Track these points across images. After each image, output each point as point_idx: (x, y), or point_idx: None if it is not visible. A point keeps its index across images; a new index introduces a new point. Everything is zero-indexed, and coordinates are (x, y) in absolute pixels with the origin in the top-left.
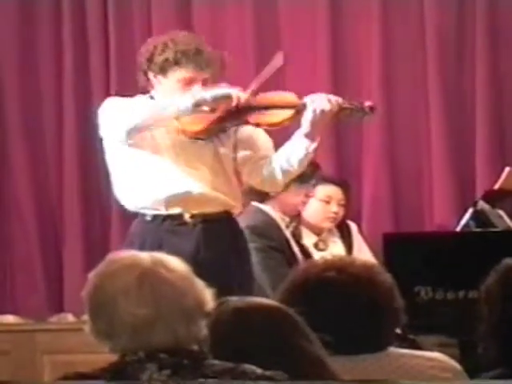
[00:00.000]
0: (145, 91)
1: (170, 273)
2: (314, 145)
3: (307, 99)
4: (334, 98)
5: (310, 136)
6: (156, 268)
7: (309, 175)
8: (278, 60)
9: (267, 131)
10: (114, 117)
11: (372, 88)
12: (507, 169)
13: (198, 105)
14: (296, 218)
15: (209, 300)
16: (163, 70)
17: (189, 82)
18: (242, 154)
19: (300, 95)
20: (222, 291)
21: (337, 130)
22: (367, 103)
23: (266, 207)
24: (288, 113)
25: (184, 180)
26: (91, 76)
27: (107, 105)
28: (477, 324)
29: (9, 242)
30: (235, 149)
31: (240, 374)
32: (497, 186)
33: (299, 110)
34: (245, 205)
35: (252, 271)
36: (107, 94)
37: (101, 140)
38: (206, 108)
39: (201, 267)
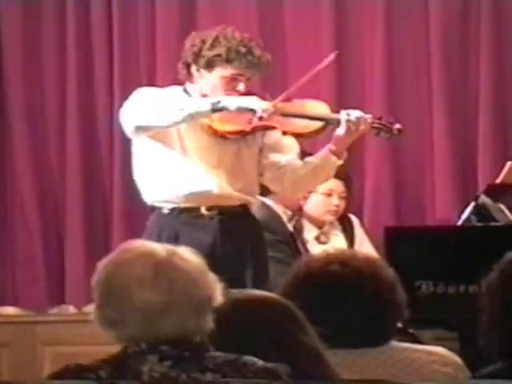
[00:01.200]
0: (178, 82)
1: (185, 263)
2: (340, 162)
3: (342, 115)
4: (367, 116)
5: (338, 152)
6: (171, 258)
7: None
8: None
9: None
10: (130, 109)
11: (376, 84)
12: (509, 163)
13: (217, 111)
14: (298, 211)
15: (219, 294)
16: (210, 65)
17: (232, 80)
18: (266, 159)
19: (303, 97)
20: (236, 283)
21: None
22: (397, 126)
23: (269, 201)
24: (318, 124)
25: (202, 179)
26: (95, 74)
27: (133, 95)
28: (478, 316)
29: (10, 233)
30: (261, 152)
31: (241, 366)
32: (498, 180)
33: (331, 123)
34: None
35: (267, 263)
36: (111, 92)
37: (102, 135)
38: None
39: (217, 259)
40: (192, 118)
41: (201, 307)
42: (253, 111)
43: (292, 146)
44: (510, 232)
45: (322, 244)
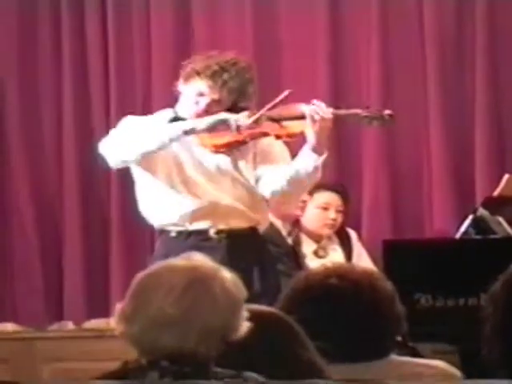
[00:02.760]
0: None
1: (220, 290)
2: (322, 158)
3: (305, 109)
4: (329, 109)
5: (316, 149)
6: (211, 281)
7: None
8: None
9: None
10: (107, 145)
11: (371, 93)
12: (506, 176)
13: (190, 132)
14: (296, 225)
15: (240, 332)
16: (187, 79)
17: (201, 95)
18: (259, 167)
19: (300, 101)
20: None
21: (336, 137)
22: (386, 111)
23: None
24: (301, 126)
25: (207, 193)
26: (90, 80)
27: (115, 129)
28: (479, 328)
29: (9, 249)
30: (254, 161)
31: (242, 382)
32: (496, 193)
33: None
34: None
35: (278, 284)
36: (106, 100)
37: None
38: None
39: None
40: (167, 144)
41: (209, 334)
42: (226, 123)
43: (283, 152)
44: (508, 245)
45: (321, 258)
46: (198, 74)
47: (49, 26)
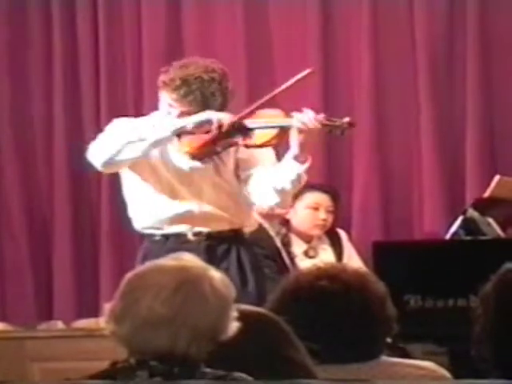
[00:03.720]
0: None
1: (210, 290)
2: (305, 166)
3: (293, 120)
4: (318, 116)
5: (298, 158)
6: (201, 281)
7: None
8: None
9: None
10: (95, 147)
11: (362, 97)
12: (497, 177)
13: (178, 132)
14: (285, 225)
15: (229, 332)
16: (159, 88)
17: (171, 106)
18: (243, 173)
19: (291, 103)
20: None
21: (327, 138)
22: (346, 119)
23: (256, 215)
24: (273, 132)
25: (187, 199)
26: (81, 80)
27: (103, 133)
28: (470, 328)
29: None
30: (237, 168)
31: (231, 382)
32: (486, 194)
33: (286, 128)
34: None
35: (260, 289)
36: (97, 101)
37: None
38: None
39: None
40: (155, 145)
41: (199, 335)
42: (209, 122)
43: (265, 155)
44: (498, 246)
45: (311, 258)
46: (165, 85)
47: (39, 24)
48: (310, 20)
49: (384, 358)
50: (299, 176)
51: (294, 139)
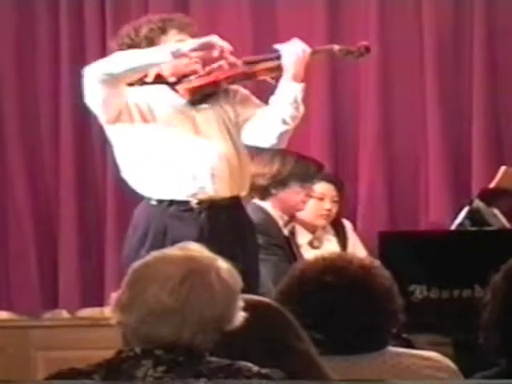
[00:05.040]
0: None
1: (217, 281)
2: (301, 85)
3: (282, 46)
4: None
5: (294, 77)
6: (208, 271)
7: (311, 175)
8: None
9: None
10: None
11: (369, 88)
12: (503, 168)
13: (177, 53)
14: (291, 216)
15: (235, 322)
16: (152, 42)
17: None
18: (245, 111)
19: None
20: None
21: (333, 128)
22: (363, 43)
23: (266, 205)
24: (277, 62)
25: (194, 151)
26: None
27: None
28: (480, 314)
29: (3, 238)
30: (236, 113)
31: (236, 371)
32: (492, 185)
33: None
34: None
35: (258, 264)
36: None
37: (96, 134)
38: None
39: None
40: (149, 67)
41: (205, 325)
42: (212, 45)
43: (251, 95)
44: (503, 237)
45: (315, 249)
46: (162, 29)
47: (47, 17)
48: (317, 9)
49: (389, 348)
50: (296, 99)
51: (290, 60)
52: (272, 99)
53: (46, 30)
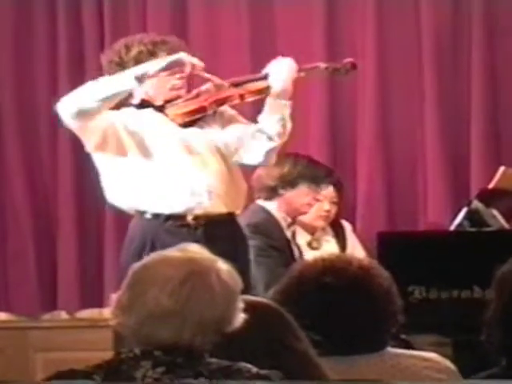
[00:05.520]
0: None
1: (217, 282)
2: (288, 102)
3: (270, 64)
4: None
5: (281, 95)
6: (208, 272)
7: (320, 178)
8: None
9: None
10: (65, 100)
11: (367, 87)
12: (502, 168)
13: (143, 77)
14: (294, 218)
15: (235, 323)
16: (139, 63)
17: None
18: (231, 135)
19: (295, 103)
20: None
21: (331, 129)
22: (348, 60)
23: (270, 206)
24: (264, 83)
25: (190, 171)
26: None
27: None
28: (476, 316)
29: (2, 238)
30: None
31: (235, 372)
32: (491, 186)
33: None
34: (250, 202)
35: (249, 277)
36: None
37: None
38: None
39: None
40: (119, 95)
41: (205, 327)
42: (181, 63)
43: (237, 115)
44: (502, 237)
45: (314, 250)
46: (151, 52)
47: (44, 15)
48: (315, 10)
49: (388, 349)
50: (283, 116)
51: (275, 78)
52: (260, 117)
53: (44, 34)
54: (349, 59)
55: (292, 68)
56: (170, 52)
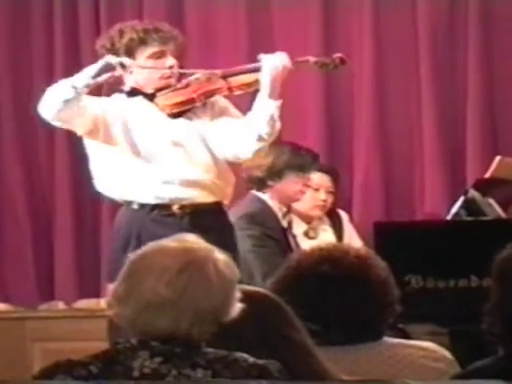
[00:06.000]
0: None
1: (215, 272)
2: (278, 102)
3: (262, 57)
4: (288, 63)
5: (271, 93)
6: (206, 262)
7: (307, 165)
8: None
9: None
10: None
11: (364, 80)
12: (498, 157)
13: (77, 87)
14: (289, 207)
15: (233, 313)
16: (130, 52)
17: (159, 56)
18: (218, 128)
19: (292, 94)
20: None
21: (328, 119)
22: (337, 55)
23: (265, 196)
24: (254, 76)
25: (173, 162)
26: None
27: None
28: (472, 306)
29: (0, 230)
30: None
31: (232, 363)
32: (487, 175)
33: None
34: (243, 193)
35: (239, 265)
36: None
37: None
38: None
39: None
40: (69, 102)
41: (202, 317)
42: (109, 65)
43: (229, 106)
44: (499, 226)
45: (311, 239)
46: (142, 40)
47: (41, 16)
48: (312, 10)
49: (385, 338)
50: (273, 116)
51: (266, 75)
52: (248, 115)
53: (40, 29)
54: (338, 54)
55: (285, 66)
56: (161, 41)
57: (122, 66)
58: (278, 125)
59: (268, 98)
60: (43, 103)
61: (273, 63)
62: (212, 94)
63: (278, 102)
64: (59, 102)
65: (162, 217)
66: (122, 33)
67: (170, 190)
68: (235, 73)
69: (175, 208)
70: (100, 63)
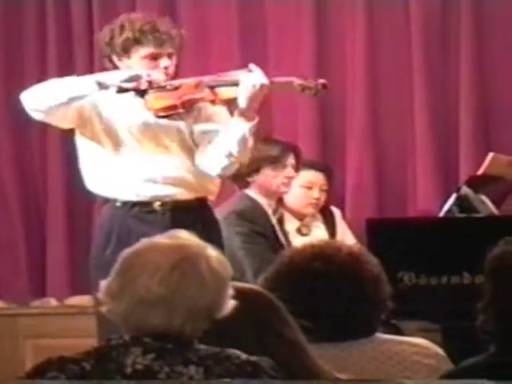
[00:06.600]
0: None
1: (207, 269)
2: (252, 124)
3: (241, 75)
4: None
5: (246, 114)
6: (198, 259)
7: (280, 156)
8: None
9: None
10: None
11: (356, 78)
12: (490, 154)
13: (103, 84)
14: (279, 203)
15: (225, 310)
16: (126, 50)
17: (154, 57)
18: (197, 130)
19: (284, 93)
20: None
21: (320, 116)
22: (320, 81)
23: (252, 193)
24: (235, 93)
25: (153, 159)
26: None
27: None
28: (465, 302)
29: None
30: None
31: (224, 359)
32: (480, 172)
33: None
34: (230, 191)
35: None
36: None
37: None
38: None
39: None
40: (79, 99)
41: (195, 313)
42: (138, 76)
43: (220, 112)
44: (491, 223)
45: (304, 236)
46: (136, 40)
47: (34, 21)
48: (304, 8)
49: (377, 334)
50: (244, 136)
51: (243, 94)
52: (221, 133)
53: (33, 33)
54: (321, 80)
55: (263, 85)
56: (156, 43)
57: (150, 84)
58: (251, 143)
59: (242, 118)
60: (40, 93)
61: (250, 82)
62: (195, 102)
63: (252, 123)
64: (65, 97)
65: (143, 214)
66: (122, 28)
67: (151, 187)
68: (223, 83)
69: (156, 205)
70: (133, 72)
